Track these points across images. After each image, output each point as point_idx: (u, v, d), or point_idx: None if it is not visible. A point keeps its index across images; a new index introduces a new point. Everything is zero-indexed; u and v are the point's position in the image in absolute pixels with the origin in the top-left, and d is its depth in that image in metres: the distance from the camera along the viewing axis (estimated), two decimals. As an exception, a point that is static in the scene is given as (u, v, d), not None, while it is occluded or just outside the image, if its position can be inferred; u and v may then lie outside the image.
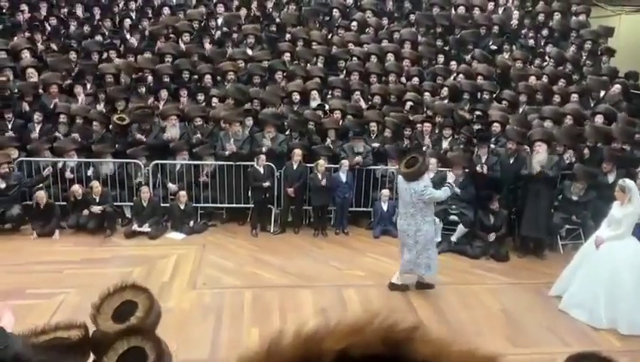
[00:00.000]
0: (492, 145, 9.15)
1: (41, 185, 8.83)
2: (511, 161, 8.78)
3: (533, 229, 8.33)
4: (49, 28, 11.68)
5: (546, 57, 11.72)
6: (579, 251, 6.99)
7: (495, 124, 9.54)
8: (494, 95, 10.62)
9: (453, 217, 8.65)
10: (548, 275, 7.47)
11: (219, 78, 10.80)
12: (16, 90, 10.03)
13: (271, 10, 12.56)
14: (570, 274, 6.83)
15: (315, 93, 10.30)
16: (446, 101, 10.33)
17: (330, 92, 10.64)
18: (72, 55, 10.93)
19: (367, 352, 0.62)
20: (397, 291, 7.02)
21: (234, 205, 9.30)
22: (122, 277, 3.12)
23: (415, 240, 6.74)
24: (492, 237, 8.30)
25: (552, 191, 8.58)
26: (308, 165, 8.97)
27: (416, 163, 6.56)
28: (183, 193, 8.86)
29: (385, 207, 8.97)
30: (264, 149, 9.10)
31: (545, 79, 10.95)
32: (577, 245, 7.86)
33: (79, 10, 12.08)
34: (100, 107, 10.00)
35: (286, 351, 0.64)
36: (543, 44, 12.13)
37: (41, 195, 8.60)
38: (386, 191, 9.00)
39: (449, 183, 6.93)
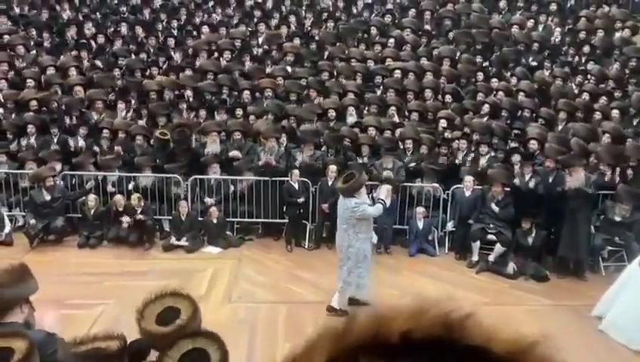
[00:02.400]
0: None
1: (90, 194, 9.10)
2: (550, 180, 8.60)
3: (570, 250, 8.13)
4: (95, 46, 12.08)
5: (588, 75, 11.50)
6: (622, 273, 6.80)
7: (532, 142, 9.38)
8: (534, 113, 10.44)
9: (491, 236, 8.52)
10: (589, 297, 7.27)
11: (257, 94, 10.95)
12: (62, 106, 10.39)
13: (310, 28, 12.70)
14: (612, 295, 6.64)
15: (351, 110, 10.34)
16: (485, 118, 10.22)
17: (366, 108, 10.66)
18: (117, 72, 11.26)
19: (427, 335, 0.66)
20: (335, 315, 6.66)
21: (269, 220, 9.37)
22: (156, 290, 3.19)
23: (347, 256, 6.59)
24: (511, 266, 8.12)
25: (590, 211, 8.36)
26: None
27: (352, 178, 6.44)
28: (214, 208, 8.96)
29: (420, 224, 8.87)
30: (297, 163, 9.15)
31: (586, 96, 10.73)
32: (620, 267, 7.64)
33: (124, 29, 12.44)
34: (142, 122, 10.26)
35: (359, 328, 0.69)
36: (584, 61, 11.91)
37: (92, 199, 8.89)
38: (420, 209, 8.90)
39: (381, 199, 6.72)
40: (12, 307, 2.91)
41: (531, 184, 8.51)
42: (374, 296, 7.37)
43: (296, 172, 8.93)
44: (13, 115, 10.20)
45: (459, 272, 8.31)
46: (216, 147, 9.62)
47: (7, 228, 8.87)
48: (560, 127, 10.17)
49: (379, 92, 11.07)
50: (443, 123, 10.08)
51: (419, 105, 10.56)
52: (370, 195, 7.21)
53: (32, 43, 11.95)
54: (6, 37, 11.80)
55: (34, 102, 10.12)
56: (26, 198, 9.09)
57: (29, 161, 9.39)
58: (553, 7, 12.95)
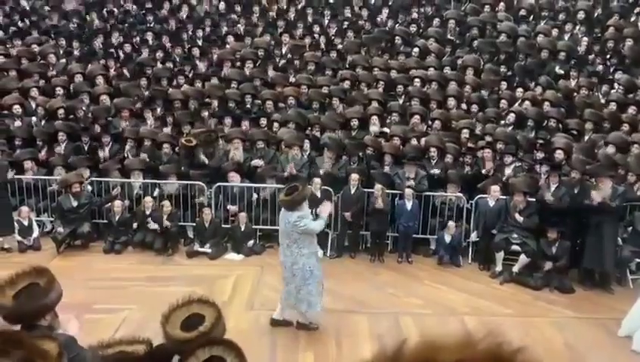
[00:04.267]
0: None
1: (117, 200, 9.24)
2: (575, 191, 8.48)
3: (595, 261, 7.99)
4: (122, 55, 12.30)
5: (615, 84, 11.33)
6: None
7: (558, 151, 9.28)
8: (561, 123, 10.32)
9: (515, 247, 8.43)
10: (616, 310, 7.14)
11: (281, 104, 11.02)
12: (90, 114, 10.60)
13: (334, 37, 12.76)
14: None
15: (375, 118, 10.34)
16: (510, 128, 10.14)
17: (389, 117, 10.65)
18: (143, 81, 11.45)
19: None
20: (280, 326, 6.62)
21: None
22: (183, 296, 3.24)
23: (292, 273, 6.34)
24: (548, 265, 8.00)
25: (617, 223, 8.21)
26: (366, 190, 8.98)
27: (294, 191, 6.24)
28: (243, 214, 9.04)
29: (448, 239, 8.79)
30: (321, 172, 9.19)
31: (613, 106, 10.58)
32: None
33: (150, 39, 12.65)
34: (168, 130, 10.41)
35: (410, 355, 0.70)
36: (612, 70, 11.74)
37: (117, 205, 9.05)
38: (451, 223, 8.81)
39: (322, 216, 6.44)
40: (42, 317, 3.01)
41: (556, 195, 8.39)
42: (395, 304, 7.37)
43: (317, 180, 8.96)
44: (42, 122, 10.43)
45: (482, 283, 8.23)
46: (239, 154, 9.70)
47: (36, 233, 9.06)
48: (586, 138, 10.04)
49: (401, 101, 11.06)
50: (465, 133, 10.03)
51: (441, 113, 10.52)
52: (313, 211, 6.77)
53: (61, 52, 12.23)
54: (36, 47, 12.11)
55: (62, 111, 10.35)
56: (54, 204, 9.27)
57: (57, 167, 9.58)
58: (581, 15, 12.82)
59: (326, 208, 6.62)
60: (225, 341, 2.91)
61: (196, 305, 3.14)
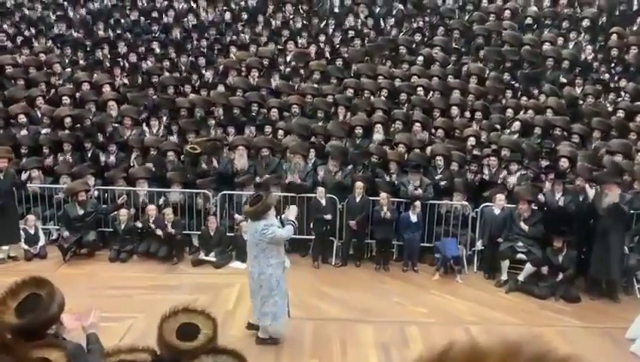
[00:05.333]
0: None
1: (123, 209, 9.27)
2: (580, 199, 8.45)
3: (602, 271, 7.96)
4: (127, 64, 12.37)
5: (621, 92, 11.32)
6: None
7: (563, 159, 9.25)
8: (566, 131, 10.30)
9: (520, 255, 8.40)
10: (622, 319, 7.10)
11: (285, 112, 11.05)
12: (94, 122, 10.65)
13: (339, 45, 12.80)
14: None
15: (379, 127, 10.35)
16: (516, 136, 10.13)
17: (393, 125, 10.66)
18: (150, 90, 11.51)
19: None
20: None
21: (296, 236, 9.36)
22: (170, 307, 3.24)
23: (259, 284, 6.24)
24: (560, 276, 7.98)
25: (624, 232, 8.17)
26: (371, 198, 8.98)
27: (259, 201, 6.17)
28: (245, 223, 9.01)
29: (413, 218, 8.82)
30: (319, 179, 9.19)
31: (620, 114, 10.56)
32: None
33: (156, 48, 12.71)
34: (173, 138, 10.45)
35: (454, 359, 0.72)
36: (616, 78, 11.73)
37: (123, 213, 9.09)
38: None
39: (291, 221, 6.36)
40: (47, 329, 3.02)
41: (561, 202, 8.38)
42: (400, 313, 7.35)
43: (320, 189, 8.96)
44: (49, 130, 10.49)
45: (488, 291, 8.20)
46: (243, 162, 9.72)
47: (42, 241, 9.09)
48: (592, 146, 10.02)
49: (404, 109, 11.07)
50: (472, 140, 10.03)
51: (444, 122, 10.52)
52: (279, 217, 6.55)
53: (67, 61, 12.32)
54: (43, 56, 12.20)
55: (68, 119, 10.41)
56: (60, 212, 9.31)
57: (63, 176, 9.63)
58: (586, 22, 12.81)
59: (292, 212, 6.51)
60: (229, 350, 2.91)
61: (182, 314, 3.14)
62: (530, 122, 10.37)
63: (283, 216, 6.54)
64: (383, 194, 8.79)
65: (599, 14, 13.24)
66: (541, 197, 8.42)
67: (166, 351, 3.03)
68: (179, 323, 3.08)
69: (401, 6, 13.84)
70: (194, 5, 14.14)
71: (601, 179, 8.33)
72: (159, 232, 8.90)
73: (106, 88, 11.33)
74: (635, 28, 12.87)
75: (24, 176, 9.01)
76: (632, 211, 8.32)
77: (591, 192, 8.25)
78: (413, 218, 8.77)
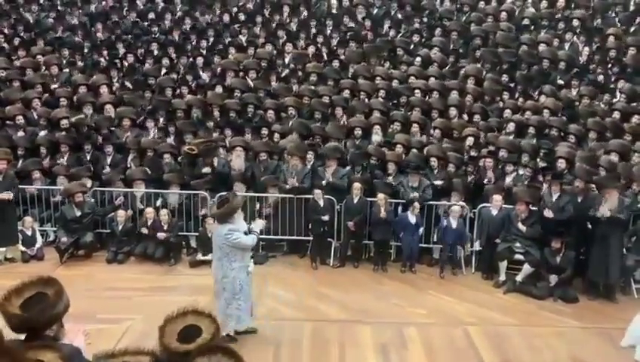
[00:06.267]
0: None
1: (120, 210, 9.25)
2: (579, 200, 8.46)
3: (601, 274, 7.95)
4: (125, 66, 12.35)
5: (617, 93, 11.35)
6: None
7: (560, 160, 9.27)
8: (562, 132, 10.32)
9: (518, 256, 8.40)
10: (620, 320, 7.10)
11: (282, 113, 11.04)
12: (93, 124, 10.63)
13: (336, 47, 12.81)
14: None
15: (377, 128, 10.36)
16: (511, 137, 10.14)
17: (391, 126, 10.66)
18: (147, 93, 11.49)
19: None
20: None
21: (294, 237, 9.40)
22: (178, 308, 3.24)
23: (222, 286, 6.26)
24: (553, 279, 7.98)
25: (622, 233, 8.17)
26: (369, 199, 8.98)
27: (225, 204, 6.16)
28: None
29: (454, 224, 8.77)
30: (323, 183, 9.19)
31: (616, 115, 10.58)
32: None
33: (155, 49, 12.69)
34: (170, 140, 10.44)
35: None
36: (613, 80, 11.75)
37: (121, 215, 9.08)
38: (456, 207, 8.80)
39: (255, 231, 6.35)
40: (50, 327, 3.01)
41: (558, 204, 8.38)
42: (398, 314, 7.35)
43: (317, 190, 8.95)
44: (46, 132, 10.46)
45: (486, 292, 8.19)
46: (240, 163, 9.71)
47: (39, 243, 9.07)
48: (589, 146, 10.03)
49: (403, 110, 11.07)
50: (469, 141, 10.04)
51: (441, 122, 10.53)
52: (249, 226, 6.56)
53: (64, 62, 12.29)
54: (40, 57, 12.18)
55: (65, 121, 10.38)
56: (57, 214, 9.28)
57: (60, 177, 9.60)
58: (575, 23, 12.81)
59: (258, 225, 6.51)
60: (225, 348, 2.90)
61: (191, 316, 3.14)
62: (524, 123, 10.38)
63: (250, 226, 6.50)
64: (381, 196, 8.79)
65: (592, 15, 13.28)
66: (546, 213, 8.39)
67: (164, 352, 3.03)
68: (184, 324, 3.09)
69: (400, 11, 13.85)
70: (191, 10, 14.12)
71: (600, 184, 8.31)
72: (161, 236, 8.88)
73: (104, 90, 11.31)
74: (632, 29, 12.90)
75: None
76: (630, 213, 8.32)
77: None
78: (412, 219, 8.76)
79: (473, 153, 9.87)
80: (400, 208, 9.11)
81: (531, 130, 10.18)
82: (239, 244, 6.13)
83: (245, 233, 6.28)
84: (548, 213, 8.31)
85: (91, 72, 11.91)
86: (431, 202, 9.08)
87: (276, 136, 10.40)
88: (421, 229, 8.91)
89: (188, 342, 3.00)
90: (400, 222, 8.85)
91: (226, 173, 9.70)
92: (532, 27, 13.09)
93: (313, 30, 13.40)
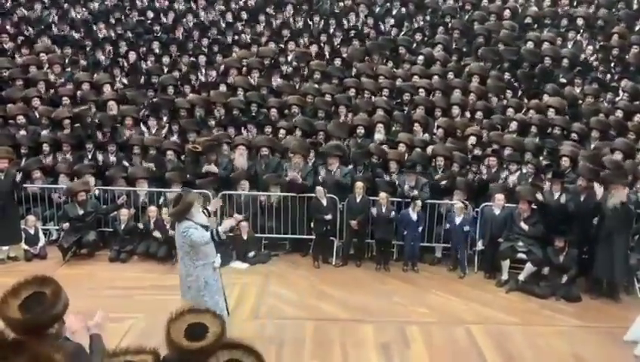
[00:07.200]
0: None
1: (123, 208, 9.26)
2: (582, 199, 8.44)
3: (606, 272, 7.93)
4: (128, 64, 12.34)
5: (620, 91, 11.31)
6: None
7: (564, 159, 9.24)
8: (565, 130, 10.29)
9: (521, 255, 8.39)
10: (623, 319, 7.08)
11: (286, 111, 11.03)
12: (96, 121, 10.64)
13: (339, 46, 12.79)
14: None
15: (380, 127, 10.34)
16: (514, 135, 10.12)
17: (394, 125, 10.65)
18: (150, 91, 11.49)
19: None
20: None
21: (297, 236, 9.40)
22: (177, 308, 3.24)
23: (187, 285, 6.14)
24: (564, 278, 7.97)
25: (628, 231, 8.16)
26: (371, 198, 8.97)
27: (179, 201, 6.03)
28: (244, 224, 9.00)
29: (458, 220, 8.76)
30: (319, 179, 9.20)
31: (619, 114, 10.55)
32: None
33: (157, 48, 12.69)
34: (174, 138, 10.44)
35: None
36: (617, 78, 11.71)
37: (124, 213, 9.09)
38: (459, 204, 8.77)
39: (214, 229, 6.06)
40: (51, 327, 3.01)
41: (561, 200, 8.37)
42: (400, 313, 7.35)
43: (320, 189, 8.95)
44: (48, 130, 10.47)
45: (488, 291, 8.18)
46: (243, 161, 9.71)
47: (42, 241, 9.09)
48: (592, 145, 10.01)
49: (407, 109, 11.05)
50: (472, 140, 10.02)
51: (445, 121, 10.51)
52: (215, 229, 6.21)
53: (66, 61, 12.30)
54: (43, 55, 12.18)
55: (67, 121, 10.40)
56: (60, 213, 9.29)
57: (62, 175, 9.61)
58: (580, 21, 12.78)
59: (226, 224, 6.18)
60: (245, 345, 2.93)
61: (190, 315, 3.14)
62: (527, 121, 10.36)
63: (219, 227, 6.22)
64: (383, 194, 8.78)
65: (596, 13, 13.24)
66: (539, 196, 8.39)
67: (175, 351, 3.03)
68: (187, 323, 3.09)
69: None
70: (193, 6, 14.11)
71: (608, 180, 8.29)
72: (158, 235, 8.89)
73: (107, 88, 11.32)
74: (637, 28, 12.85)
75: (18, 176, 8.98)
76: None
77: (599, 191, 8.19)
78: (414, 216, 8.76)
79: (477, 152, 9.85)
80: (403, 206, 9.08)
81: (534, 128, 10.17)
82: (193, 242, 5.94)
83: (205, 227, 6.07)
84: (539, 196, 8.31)
85: (94, 70, 11.91)
86: (433, 201, 9.06)
87: (282, 132, 10.39)
88: (420, 228, 8.89)
89: (198, 340, 3.01)
90: (402, 219, 8.84)
91: (228, 171, 9.69)
92: (535, 25, 13.06)
93: (317, 26, 13.38)
